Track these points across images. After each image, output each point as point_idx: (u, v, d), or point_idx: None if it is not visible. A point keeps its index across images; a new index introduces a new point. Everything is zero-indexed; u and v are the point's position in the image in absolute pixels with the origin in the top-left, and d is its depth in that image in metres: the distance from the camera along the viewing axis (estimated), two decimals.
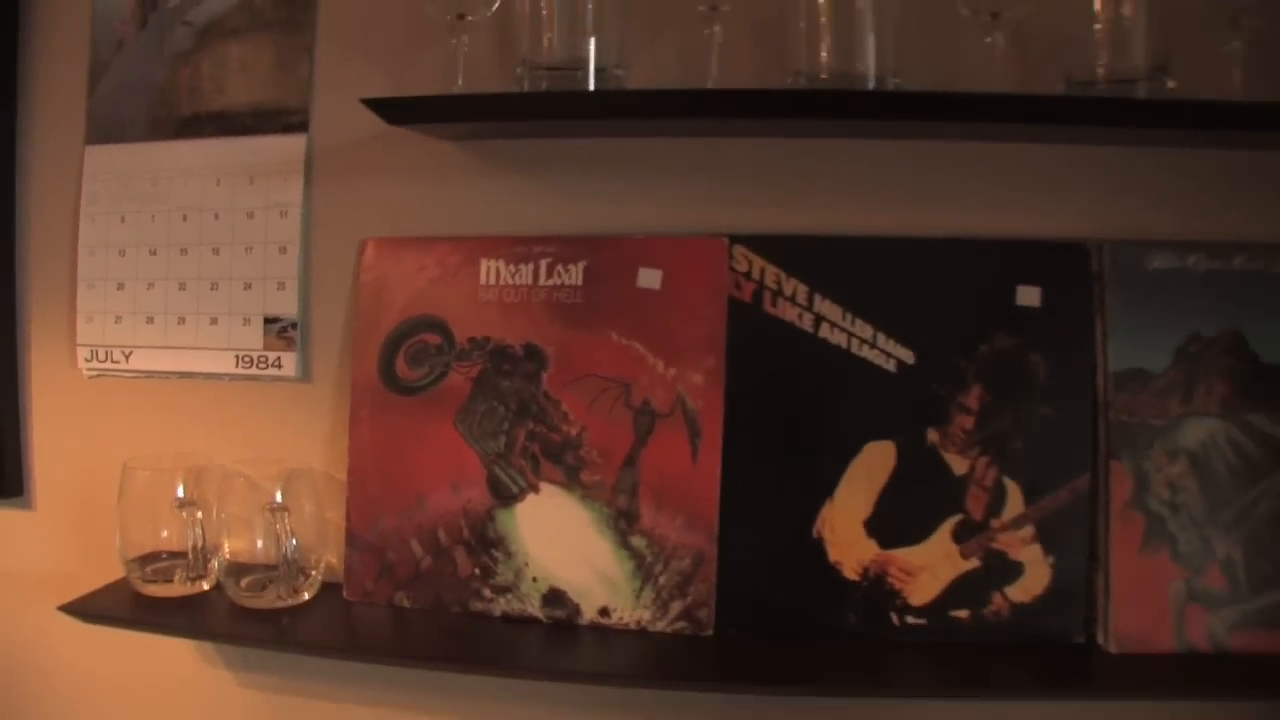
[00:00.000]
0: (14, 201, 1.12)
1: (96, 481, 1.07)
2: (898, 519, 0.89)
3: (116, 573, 1.03)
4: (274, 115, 1.03)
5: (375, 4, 1.00)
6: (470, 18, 0.88)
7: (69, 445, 1.13)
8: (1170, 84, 0.87)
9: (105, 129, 1.09)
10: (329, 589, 0.98)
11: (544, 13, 0.85)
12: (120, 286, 1.08)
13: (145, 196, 1.07)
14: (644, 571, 0.90)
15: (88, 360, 1.10)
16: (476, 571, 0.93)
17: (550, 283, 0.93)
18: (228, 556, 0.97)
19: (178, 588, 0.99)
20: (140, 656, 1.10)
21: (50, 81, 1.11)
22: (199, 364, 1.05)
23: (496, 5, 0.87)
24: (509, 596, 0.93)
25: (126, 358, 1.08)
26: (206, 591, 1.00)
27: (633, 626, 0.90)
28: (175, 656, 1.09)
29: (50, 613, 1.00)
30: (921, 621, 0.89)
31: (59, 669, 1.14)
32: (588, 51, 0.85)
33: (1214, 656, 0.87)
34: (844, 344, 0.89)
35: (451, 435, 0.94)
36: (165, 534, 1.01)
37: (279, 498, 0.95)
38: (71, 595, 1.00)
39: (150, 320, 1.07)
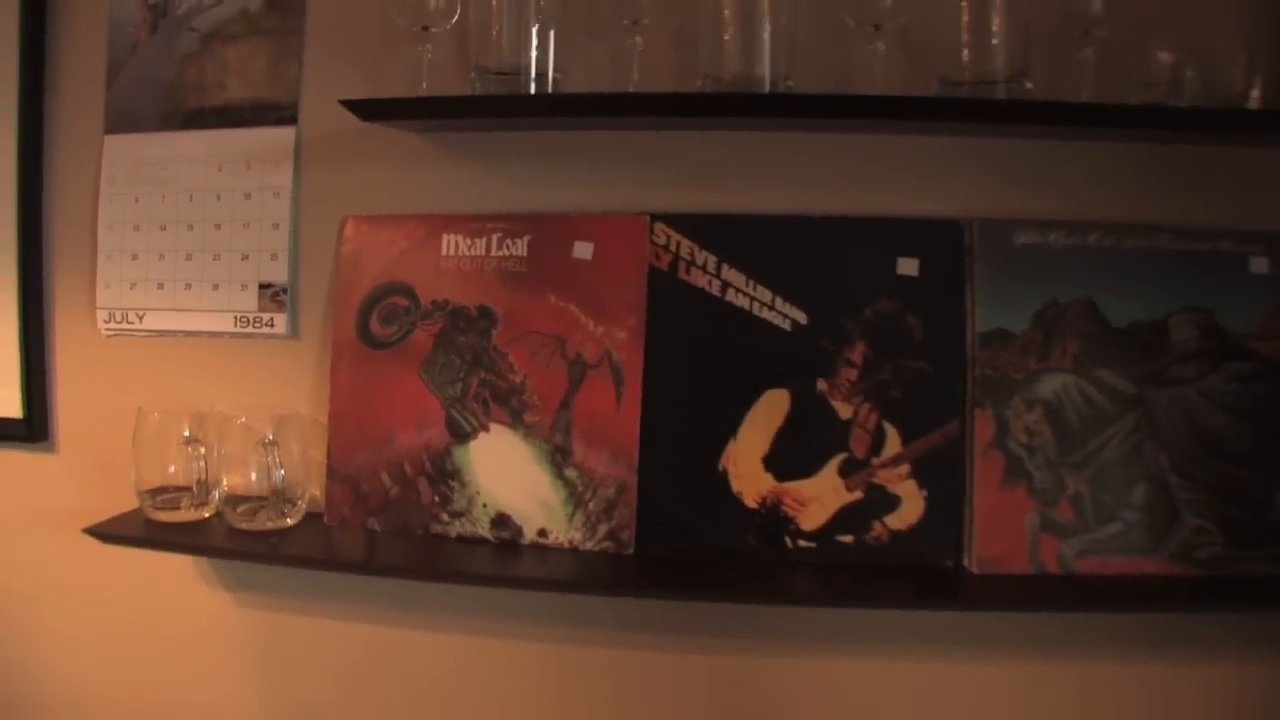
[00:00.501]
0: (42, 184, 1.31)
1: (112, 427, 1.26)
2: (791, 456, 1.07)
3: (128, 506, 1.22)
4: (267, 110, 1.22)
5: (354, 15, 1.18)
6: (433, 29, 1.06)
7: (88, 396, 1.32)
8: (1028, 85, 1.04)
9: (121, 121, 1.28)
10: (311, 517, 1.17)
11: (493, 26, 1.04)
12: (135, 257, 1.27)
13: (156, 179, 1.26)
14: (576, 499, 1.08)
15: (106, 321, 1.29)
16: (436, 499, 1.12)
17: (500, 254, 1.11)
18: (226, 488, 1.16)
19: (184, 514, 1.18)
20: (147, 579, 1.29)
21: (73, 79, 1.30)
22: (202, 324, 1.24)
23: (455, 19, 1.06)
24: (463, 520, 1.11)
25: (140, 319, 1.27)
26: (207, 518, 1.18)
27: (566, 545, 1.08)
28: (178, 579, 1.28)
29: (71, 541, 1.19)
30: (812, 545, 1.07)
31: (78, 591, 1.33)
32: (529, 59, 1.03)
33: (1062, 578, 1.05)
34: (746, 306, 1.07)
35: (416, 384, 1.13)
36: (172, 470, 1.20)
37: (270, 437, 1.14)
38: (89, 526, 1.20)
39: (161, 286, 1.26)
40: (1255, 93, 1.03)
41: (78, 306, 1.31)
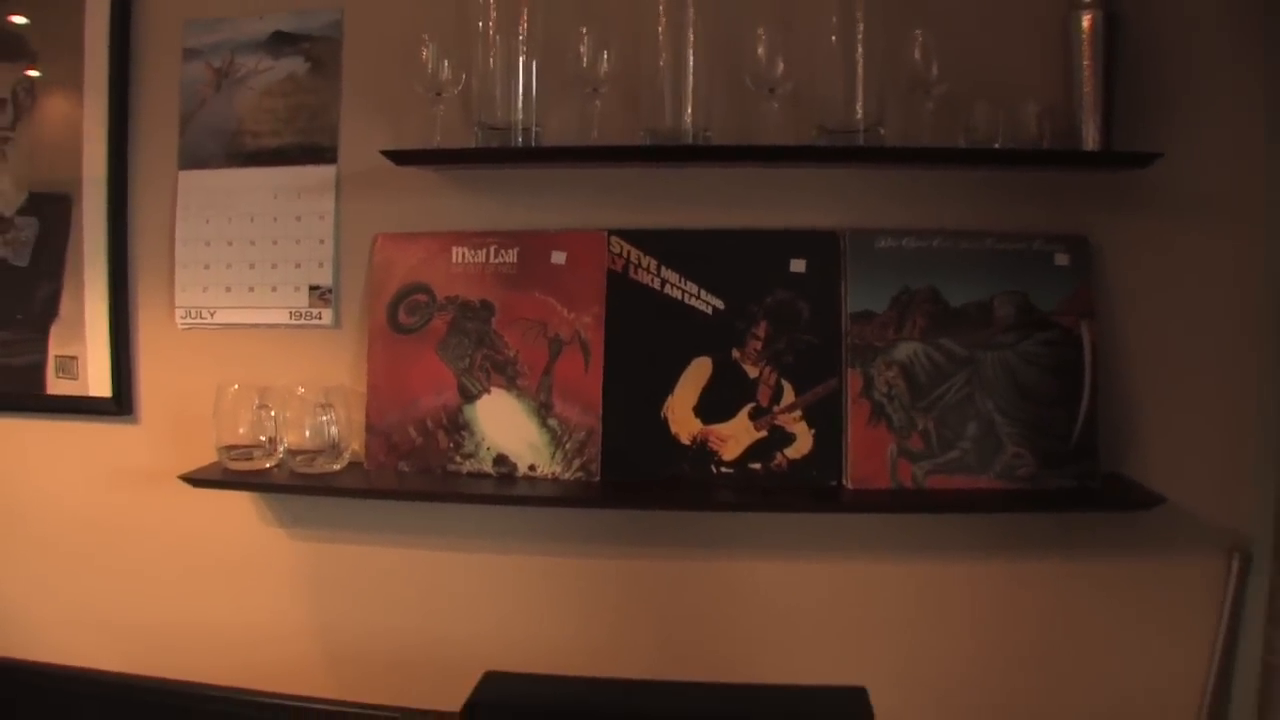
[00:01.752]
0: (127, 210, 1.76)
1: (184, 402, 1.70)
2: (713, 406, 1.53)
3: (196, 464, 1.64)
4: (313, 151, 1.67)
5: (381, 80, 1.62)
6: (444, 94, 1.52)
7: (166, 378, 1.77)
8: (882, 132, 1.52)
9: (193, 159, 1.73)
10: (354, 464, 1.62)
11: (491, 92, 1.50)
12: (206, 267, 1.72)
13: (223, 205, 1.71)
14: (556, 441, 1.55)
15: (182, 318, 1.74)
16: (451, 445, 1.58)
17: (496, 261, 1.58)
18: (288, 444, 1.62)
19: (255, 464, 1.62)
20: (215, 521, 1.72)
21: (153, 127, 1.74)
22: (263, 318, 1.69)
23: (460, 87, 1.52)
24: (471, 460, 1.57)
25: (211, 315, 1.72)
26: (271, 468, 1.64)
27: (549, 476, 1.55)
28: (242, 519, 1.73)
29: (150, 493, 1.64)
30: (730, 470, 1.53)
31: (157, 532, 1.77)
32: (516, 117, 1.49)
33: (914, 491, 1.52)
34: (679, 297, 1.54)
35: (434, 359, 1.59)
36: (242, 431, 1.64)
37: (325, 402, 1.59)
38: (167, 487, 1.61)
39: (228, 289, 1.71)
40: (1047, 134, 1.52)
41: (158, 307, 1.76)
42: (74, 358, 1.79)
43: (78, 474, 1.81)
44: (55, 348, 1.80)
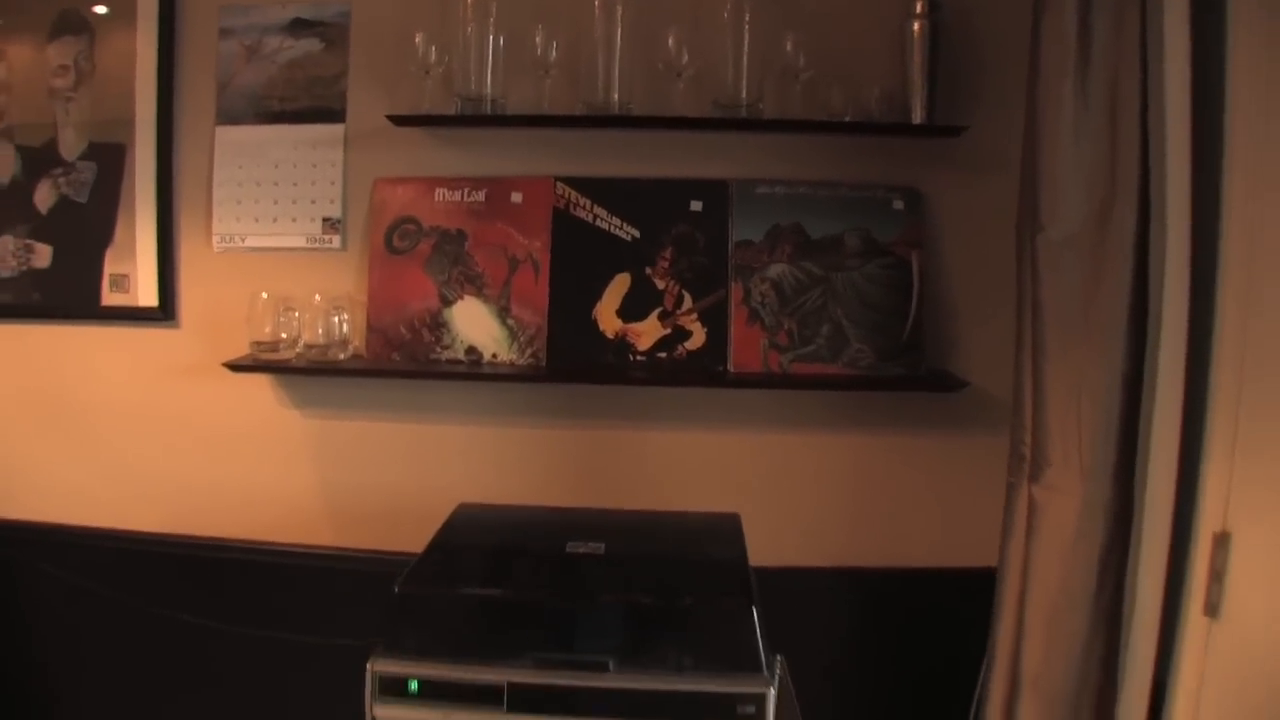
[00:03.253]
0: (172, 157, 2.38)
1: (219, 311, 2.30)
2: (631, 309, 2.17)
3: (226, 358, 2.27)
4: (325, 113, 2.28)
5: (380, 59, 2.23)
6: (430, 72, 2.16)
7: (203, 291, 2.38)
8: (762, 106, 2.18)
9: (228, 117, 2.33)
10: (356, 356, 2.27)
11: (469, 70, 2.15)
12: (238, 202, 2.34)
13: (252, 154, 2.33)
14: (513, 336, 2.20)
15: (218, 243, 2.36)
16: (433, 339, 2.22)
17: (469, 199, 2.22)
18: (305, 340, 2.26)
19: (281, 355, 2.24)
20: (243, 404, 2.33)
21: (194, 91, 2.33)
22: (285, 243, 2.31)
23: (443, 68, 2.16)
24: (448, 351, 2.21)
25: (243, 240, 2.35)
26: (292, 358, 2.28)
27: (508, 362, 2.19)
28: (261, 400, 2.33)
29: (190, 382, 2.26)
30: (643, 358, 2.18)
31: (198, 416, 2.39)
32: (486, 91, 2.14)
33: (781, 374, 2.19)
34: (606, 228, 2.19)
35: (420, 274, 2.23)
36: (268, 330, 2.27)
37: (337, 308, 2.24)
38: (206, 383, 2.24)
39: (256, 220, 2.34)
40: (879, 110, 2.18)
41: (198, 234, 2.37)
42: (126, 275, 2.41)
43: (128, 369, 2.41)
44: (110, 268, 2.40)
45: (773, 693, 1.48)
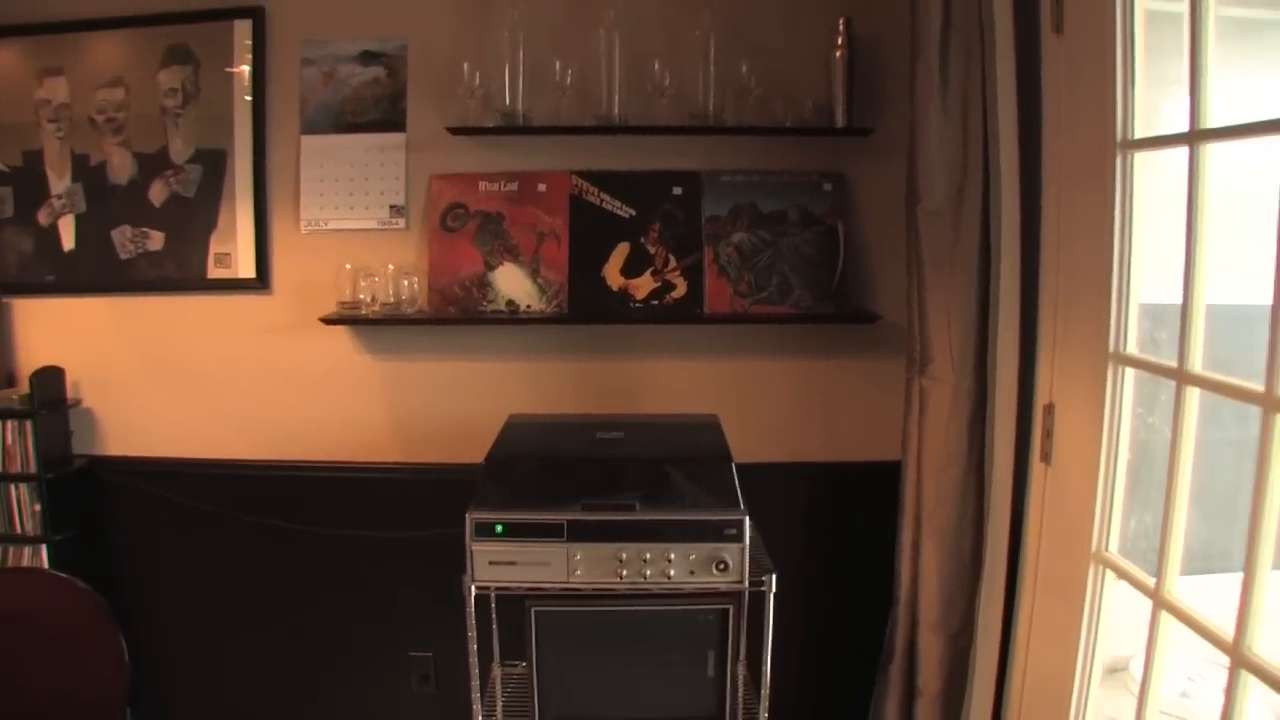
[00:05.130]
0: (265, 160, 3.06)
1: (306, 281, 3.00)
2: (631, 267, 2.93)
3: (312, 321, 2.99)
4: (390, 124, 2.99)
5: (433, 84, 2.94)
6: (474, 93, 2.88)
7: (292, 265, 3.07)
8: (724, 116, 2.93)
9: (310, 129, 3.02)
10: (420, 311, 2.99)
11: (504, 91, 2.87)
12: (321, 194, 3.04)
13: (331, 157, 3.02)
14: (542, 291, 2.92)
15: (305, 226, 3.05)
16: (479, 295, 2.93)
17: (506, 189, 2.94)
18: (380, 299, 2.97)
19: (361, 312, 2.96)
20: (326, 353, 3.04)
21: (283, 108, 3.04)
22: (360, 225, 3.01)
23: (483, 90, 2.88)
24: (492, 304, 2.93)
25: (325, 224, 3.05)
26: (370, 314, 2.99)
27: (538, 311, 2.92)
28: (341, 349, 3.03)
29: (282, 338, 2.96)
30: (640, 305, 2.92)
31: (287, 365, 3.08)
32: (518, 106, 2.86)
33: (743, 313, 2.94)
34: (610, 209, 2.92)
35: (469, 246, 2.94)
36: (348, 292, 2.98)
37: (406, 275, 2.95)
38: (295, 337, 2.94)
39: (336, 207, 3.03)
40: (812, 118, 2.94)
41: (287, 219, 3.06)
42: (228, 254, 3.09)
43: (230, 329, 3.09)
44: (214, 248, 3.08)
45: (748, 519, 2.19)
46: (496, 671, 2.71)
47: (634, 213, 2.87)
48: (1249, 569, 1.51)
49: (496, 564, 2.19)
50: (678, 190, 2.89)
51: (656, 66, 2.79)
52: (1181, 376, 1.74)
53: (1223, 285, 1.74)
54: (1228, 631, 1.57)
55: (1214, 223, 1.69)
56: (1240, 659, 1.53)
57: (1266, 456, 1.48)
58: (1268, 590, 1.52)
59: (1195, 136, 1.68)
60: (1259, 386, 1.50)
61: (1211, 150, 1.67)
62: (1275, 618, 1.53)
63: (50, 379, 3.00)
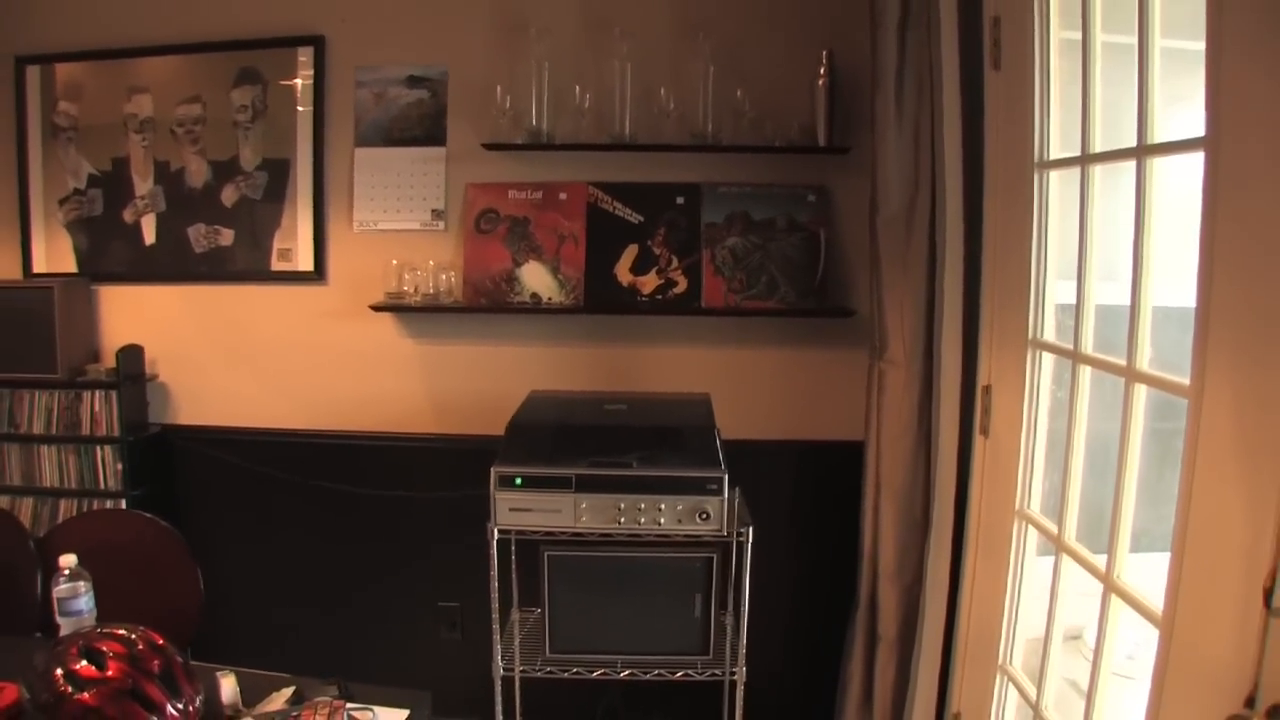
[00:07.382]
0: (324, 169, 3.53)
1: (358, 274, 3.46)
2: (639, 266, 3.37)
3: (363, 308, 3.45)
4: (432, 139, 3.44)
5: (469, 106, 3.38)
6: (505, 114, 3.33)
7: (346, 259, 3.53)
8: (721, 136, 3.37)
9: (363, 142, 3.47)
10: (457, 302, 3.44)
11: (531, 112, 3.32)
12: (372, 199, 3.50)
13: (382, 167, 3.46)
14: (561, 284, 3.37)
15: (357, 226, 3.50)
16: (508, 289, 3.38)
17: (531, 197, 3.38)
18: (421, 291, 3.42)
19: (405, 300, 3.42)
20: (373, 337, 3.49)
21: (339, 125, 3.48)
22: (405, 226, 3.46)
23: (513, 111, 3.34)
24: (518, 296, 3.37)
25: (375, 224, 3.50)
26: (413, 303, 3.44)
27: (559, 303, 3.38)
28: (386, 333, 3.48)
29: (335, 324, 3.42)
30: (647, 299, 3.37)
31: (339, 346, 3.54)
32: (543, 126, 3.31)
33: (736, 307, 3.37)
34: (622, 215, 3.37)
35: (500, 246, 3.39)
36: (394, 284, 3.43)
37: (445, 270, 3.40)
38: (346, 323, 3.40)
39: (384, 210, 3.49)
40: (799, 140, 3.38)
41: (342, 220, 3.51)
42: (290, 249, 3.56)
43: (290, 315, 3.56)
44: (278, 244, 3.55)
45: (727, 477, 2.62)
46: (515, 615, 3.14)
47: (642, 219, 3.32)
48: (1115, 511, 1.93)
49: (516, 510, 2.63)
50: (680, 199, 3.32)
51: (663, 92, 3.23)
52: (1077, 357, 2.15)
53: (1109, 288, 2.14)
54: (1100, 564, 1.99)
55: (1102, 234, 2.10)
56: (1111, 585, 1.95)
57: (1128, 423, 1.90)
58: (1127, 521, 1.93)
59: (1085, 160, 2.09)
60: (1123, 362, 1.92)
61: (1097, 171, 2.08)
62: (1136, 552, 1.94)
63: (132, 356, 3.46)
